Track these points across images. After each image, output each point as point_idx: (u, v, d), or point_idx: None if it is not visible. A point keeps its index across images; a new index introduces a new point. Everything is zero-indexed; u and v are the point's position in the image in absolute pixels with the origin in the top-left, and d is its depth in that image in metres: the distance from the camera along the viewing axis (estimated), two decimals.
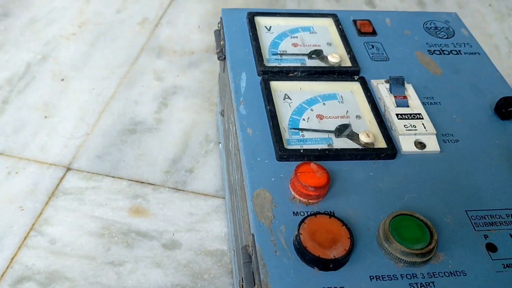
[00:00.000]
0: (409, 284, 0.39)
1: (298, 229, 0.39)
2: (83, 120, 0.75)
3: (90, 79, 0.82)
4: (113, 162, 0.69)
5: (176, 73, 0.85)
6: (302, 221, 0.39)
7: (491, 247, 0.42)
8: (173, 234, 0.62)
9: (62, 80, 0.82)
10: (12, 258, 0.58)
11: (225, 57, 0.60)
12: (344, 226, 0.39)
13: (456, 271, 0.40)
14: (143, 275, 0.58)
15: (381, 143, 0.48)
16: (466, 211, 0.44)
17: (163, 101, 0.79)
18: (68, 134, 0.73)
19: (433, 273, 0.40)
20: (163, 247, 0.60)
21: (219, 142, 0.73)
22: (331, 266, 0.38)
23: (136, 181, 0.67)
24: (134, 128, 0.75)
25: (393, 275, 0.39)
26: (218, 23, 0.64)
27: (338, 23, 0.62)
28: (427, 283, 0.39)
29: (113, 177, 0.68)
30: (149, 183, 0.67)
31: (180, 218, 0.64)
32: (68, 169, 0.68)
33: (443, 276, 0.39)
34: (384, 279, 0.39)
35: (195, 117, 0.78)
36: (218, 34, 0.64)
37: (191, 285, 0.57)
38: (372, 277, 0.39)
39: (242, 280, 0.41)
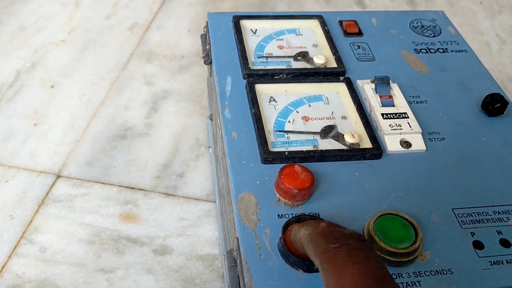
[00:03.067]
0: None
1: (282, 232, 0.39)
2: (73, 127, 0.75)
3: (79, 86, 0.82)
4: (103, 168, 0.69)
5: (166, 77, 0.85)
6: (286, 224, 0.39)
7: (478, 245, 0.42)
8: (164, 240, 0.62)
9: (52, 87, 0.82)
10: (3, 267, 0.58)
11: (211, 61, 0.60)
12: None
13: (442, 270, 0.40)
14: (134, 282, 0.57)
15: (367, 143, 0.48)
16: (452, 209, 0.44)
17: (153, 106, 0.79)
18: (58, 141, 0.73)
19: (419, 272, 0.40)
20: (154, 253, 0.60)
21: (209, 147, 0.73)
22: (315, 267, 0.38)
23: (126, 187, 0.67)
24: (124, 133, 0.74)
25: None
26: (204, 27, 0.64)
27: (324, 24, 0.62)
28: (413, 282, 0.39)
29: (103, 183, 0.67)
30: (139, 189, 0.67)
31: (171, 223, 0.63)
32: (58, 176, 0.68)
33: (429, 275, 0.39)
34: None
35: (185, 121, 0.77)
36: (204, 38, 0.64)
37: None
38: None
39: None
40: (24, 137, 0.73)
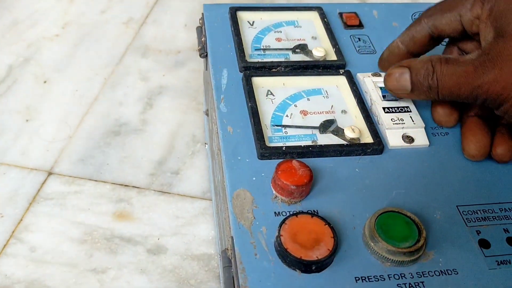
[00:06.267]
0: (397, 284, 0.37)
1: (279, 230, 0.37)
2: (66, 123, 0.73)
3: (73, 81, 0.80)
4: (96, 165, 0.67)
5: (162, 72, 0.83)
6: (283, 221, 0.38)
7: (484, 243, 0.40)
8: (158, 239, 0.60)
9: (45, 82, 0.80)
10: None
11: (207, 54, 0.58)
12: (327, 225, 0.38)
13: (447, 270, 0.38)
14: (126, 282, 0.56)
15: (368, 138, 0.47)
16: (457, 206, 0.43)
17: (149, 102, 0.77)
18: (50, 138, 0.71)
19: (422, 272, 0.38)
20: (147, 252, 0.58)
21: (206, 143, 0.71)
22: (313, 268, 0.36)
23: (120, 185, 0.65)
24: (118, 129, 0.73)
25: (380, 276, 0.37)
26: (200, 19, 0.62)
27: (323, 16, 0.60)
28: (416, 283, 0.37)
29: (96, 180, 0.66)
30: (133, 186, 0.65)
31: (165, 221, 0.62)
32: (50, 173, 0.66)
33: (433, 275, 0.38)
34: (370, 280, 0.37)
35: (181, 117, 0.76)
36: (200, 30, 0.62)
37: None
38: (357, 278, 0.37)
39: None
40: (15, 133, 0.72)
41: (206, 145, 0.70)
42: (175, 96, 0.79)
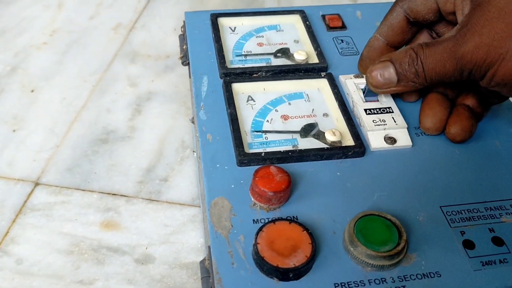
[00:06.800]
0: None
1: (255, 238, 0.36)
2: (53, 132, 0.73)
3: (61, 89, 0.80)
4: (83, 174, 0.67)
5: (151, 78, 0.83)
6: (260, 229, 0.37)
7: (468, 244, 0.40)
8: (146, 248, 0.59)
9: (32, 91, 0.79)
10: None
11: (189, 62, 0.58)
12: (305, 231, 0.37)
13: (429, 273, 0.38)
14: None
15: (349, 141, 0.46)
16: (440, 206, 0.42)
17: (137, 108, 0.77)
18: (37, 147, 0.70)
19: (404, 276, 0.37)
20: (135, 262, 0.58)
21: (194, 151, 0.70)
22: (291, 275, 0.35)
23: (107, 193, 0.65)
24: (106, 137, 0.72)
25: (360, 281, 0.37)
26: (181, 27, 0.61)
27: (305, 19, 0.60)
28: None
29: (83, 190, 0.65)
30: (121, 195, 0.65)
31: (154, 230, 0.61)
32: (37, 184, 0.66)
33: (415, 279, 0.37)
34: (350, 285, 0.36)
35: (170, 123, 0.75)
36: (182, 38, 0.61)
37: None
38: (337, 285, 0.36)
39: None
40: (2, 144, 0.71)
41: (194, 153, 0.69)
42: (164, 102, 0.78)
